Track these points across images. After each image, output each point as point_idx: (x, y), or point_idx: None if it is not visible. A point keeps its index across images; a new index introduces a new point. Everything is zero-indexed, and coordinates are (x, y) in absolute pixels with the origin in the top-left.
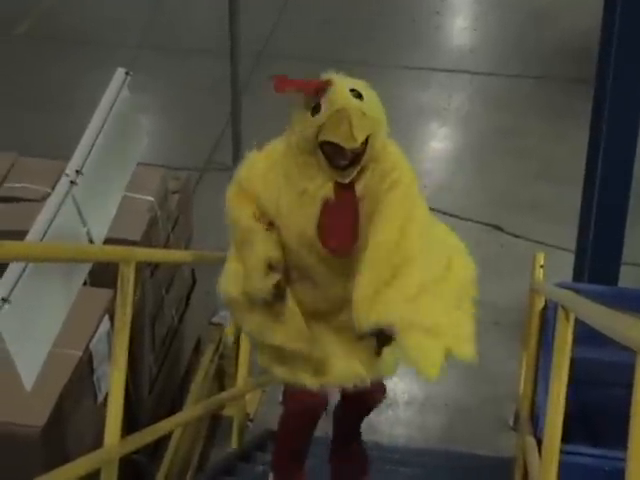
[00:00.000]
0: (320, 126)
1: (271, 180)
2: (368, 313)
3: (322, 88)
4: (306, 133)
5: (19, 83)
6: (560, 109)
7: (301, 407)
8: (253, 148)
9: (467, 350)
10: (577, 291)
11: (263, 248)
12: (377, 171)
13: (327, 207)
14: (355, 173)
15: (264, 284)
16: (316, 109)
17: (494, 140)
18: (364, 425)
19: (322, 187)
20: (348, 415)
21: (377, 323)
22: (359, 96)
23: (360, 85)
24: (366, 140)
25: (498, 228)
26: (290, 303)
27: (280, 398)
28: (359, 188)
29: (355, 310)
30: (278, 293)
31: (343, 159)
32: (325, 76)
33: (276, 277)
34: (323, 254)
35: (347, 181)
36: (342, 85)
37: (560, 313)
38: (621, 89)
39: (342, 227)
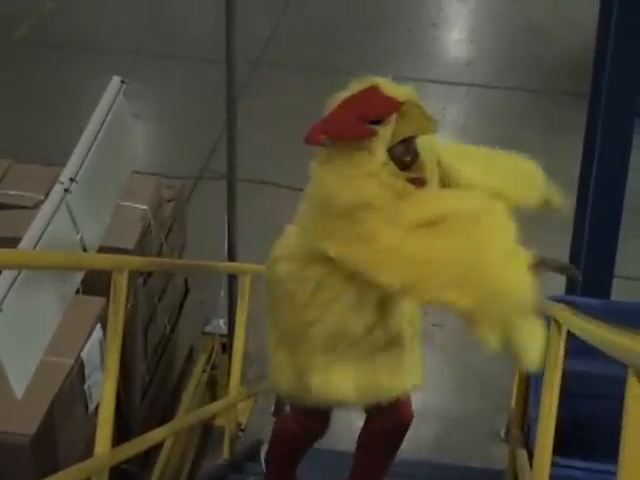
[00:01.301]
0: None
1: None
2: None
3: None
4: (381, 148)
5: (16, 87)
6: (555, 122)
7: (302, 430)
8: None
9: None
10: (569, 304)
11: None
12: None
13: None
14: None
15: None
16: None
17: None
18: None
19: None
20: (372, 438)
21: None
22: None
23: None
24: None
25: None
26: None
27: (272, 408)
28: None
29: None
30: None
31: (410, 153)
32: (363, 84)
33: None
34: None
35: (419, 172)
36: (386, 81)
37: (552, 326)
38: (615, 102)
39: None
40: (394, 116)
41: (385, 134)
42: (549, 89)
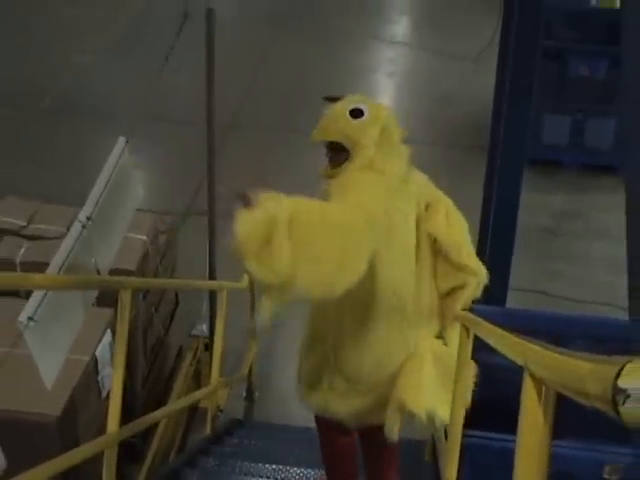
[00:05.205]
0: None
1: None
2: None
3: None
4: None
5: (43, 146)
6: (461, 170)
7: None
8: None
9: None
10: (474, 311)
11: None
12: None
13: None
14: None
15: None
16: None
17: None
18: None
19: None
20: (370, 455)
21: None
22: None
23: None
24: None
25: None
26: None
27: (244, 394)
28: None
29: None
30: None
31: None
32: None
33: None
34: None
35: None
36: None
37: (461, 331)
38: (508, 153)
39: None
40: None
41: None
42: (456, 144)
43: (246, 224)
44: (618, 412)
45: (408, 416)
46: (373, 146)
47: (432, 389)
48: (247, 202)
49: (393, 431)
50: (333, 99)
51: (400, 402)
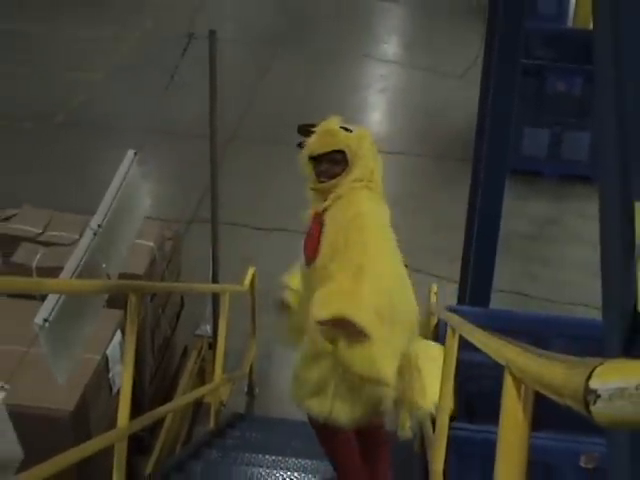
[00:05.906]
0: None
1: None
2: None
3: None
4: None
5: (56, 158)
6: (450, 179)
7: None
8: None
9: None
10: (460, 312)
11: None
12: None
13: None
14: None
15: None
16: None
17: (405, 201)
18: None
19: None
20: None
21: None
22: None
23: None
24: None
25: (404, 265)
26: None
27: (245, 389)
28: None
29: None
30: None
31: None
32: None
33: None
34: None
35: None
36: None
37: (449, 331)
38: (491, 165)
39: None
40: None
41: None
42: (447, 156)
43: (385, 370)
44: (589, 411)
45: (419, 413)
46: (371, 156)
47: (434, 385)
48: (355, 332)
49: (406, 429)
50: (307, 127)
51: (412, 404)
